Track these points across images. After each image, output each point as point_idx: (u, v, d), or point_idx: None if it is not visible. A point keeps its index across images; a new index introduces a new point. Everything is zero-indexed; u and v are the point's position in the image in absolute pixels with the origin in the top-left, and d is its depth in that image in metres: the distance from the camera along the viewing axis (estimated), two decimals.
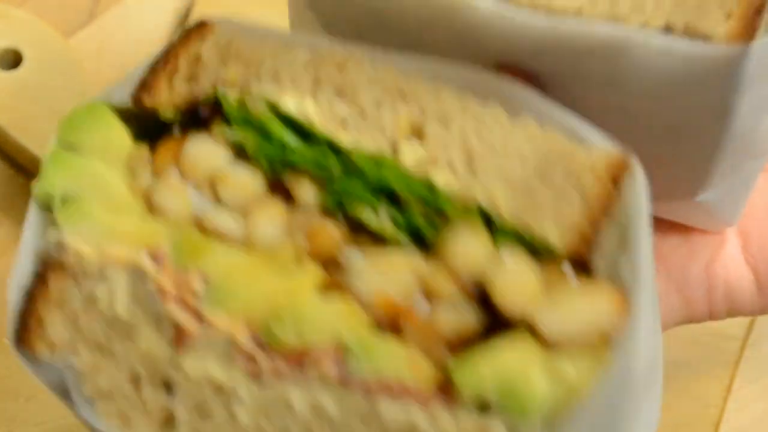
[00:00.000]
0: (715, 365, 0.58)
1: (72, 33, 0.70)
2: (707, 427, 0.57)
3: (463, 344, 0.35)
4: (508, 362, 0.33)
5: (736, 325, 0.62)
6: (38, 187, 0.38)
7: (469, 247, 0.36)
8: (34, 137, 0.63)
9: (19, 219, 0.64)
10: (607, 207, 0.36)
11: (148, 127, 0.39)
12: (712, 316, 0.51)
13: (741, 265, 0.50)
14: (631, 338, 0.33)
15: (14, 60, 0.66)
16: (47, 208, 0.38)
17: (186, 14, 0.70)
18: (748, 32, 0.38)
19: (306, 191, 0.37)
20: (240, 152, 0.38)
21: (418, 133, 0.38)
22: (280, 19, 0.45)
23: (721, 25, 0.38)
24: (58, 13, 0.71)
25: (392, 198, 0.37)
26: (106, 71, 0.69)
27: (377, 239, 0.37)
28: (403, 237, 0.37)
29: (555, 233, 0.36)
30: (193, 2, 0.69)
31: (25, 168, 0.65)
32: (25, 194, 0.65)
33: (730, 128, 0.40)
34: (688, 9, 0.39)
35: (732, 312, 0.51)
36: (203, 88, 0.39)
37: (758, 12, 0.38)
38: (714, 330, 0.62)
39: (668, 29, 0.38)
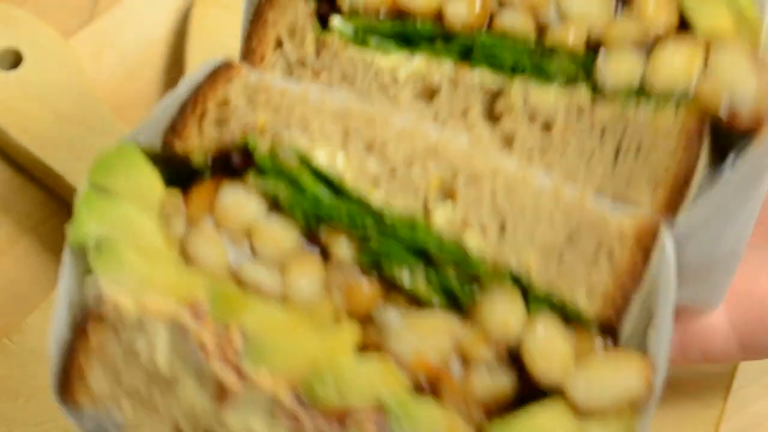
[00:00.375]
0: (715, 365, 0.58)
1: (72, 33, 0.70)
2: (707, 427, 0.57)
3: (498, 406, 0.36)
4: (541, 426, 0.34)
5: None
6: (72, 232, 0.37)
7: (502, 312, 0.36)
8: (34, 137, 0.63)
9: (19, 219, 0.64)
10: (636, 275, 0.36)
11: (178, 171, 0.39)
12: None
13: (723, 326, 0.49)
14: (653, 399, 0.34)
15: (14, 60, 0.66)
16: (81, 253, 0.37)
17: (186, 14, 0.70)
18: (674, 203, 0.38)
19: (341, 247, 0.37)
20: (275, 204, 0.38)
21: (449, 193, 0.38)
22: None
23: (647, 196, 0.38)
24: (58, 13, 0.71)
25: (426, 258, 0.37)
26: (106, 71, 0.69)
27: (412, 298, 0.37)
28: (436, 298, 0.36)
29: (585, 300, 0.36)
30: (193, 2, 0.69)
31: (25, 168, 0.65)
32: (25, 194, 0.65)
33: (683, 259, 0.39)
34: (617, 180, 0.39)
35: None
36: (233, 132, 0.39)
37: (686, 183, 0.38)
38: None
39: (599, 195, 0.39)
